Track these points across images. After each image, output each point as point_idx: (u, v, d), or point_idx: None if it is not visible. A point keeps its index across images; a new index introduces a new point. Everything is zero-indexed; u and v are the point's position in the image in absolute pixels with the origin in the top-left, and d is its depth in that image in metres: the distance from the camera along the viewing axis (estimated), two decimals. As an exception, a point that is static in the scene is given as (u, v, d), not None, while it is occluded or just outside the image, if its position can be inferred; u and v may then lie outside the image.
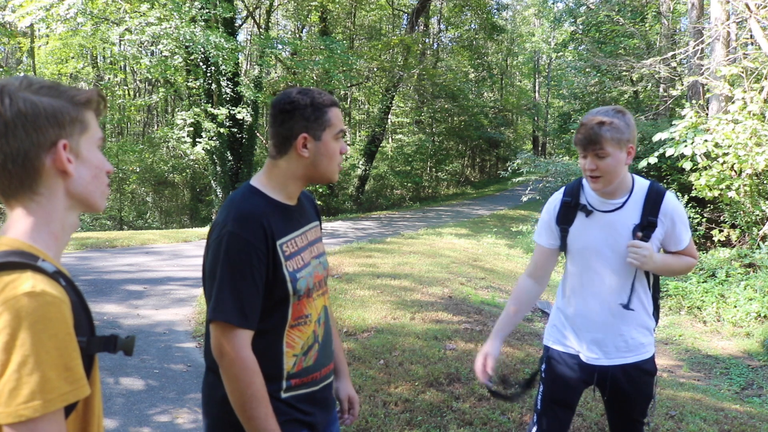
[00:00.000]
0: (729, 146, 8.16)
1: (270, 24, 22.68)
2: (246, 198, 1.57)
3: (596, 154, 2.01)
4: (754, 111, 8.19)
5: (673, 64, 12.95)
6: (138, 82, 27.71)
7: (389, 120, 25.79)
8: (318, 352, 1.65)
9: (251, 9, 21.76)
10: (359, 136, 27.84)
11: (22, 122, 0.97)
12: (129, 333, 4.22)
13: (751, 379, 5.70)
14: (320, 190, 20.20)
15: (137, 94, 28.25)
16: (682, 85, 11.89)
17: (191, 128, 18.28)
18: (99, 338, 1.02)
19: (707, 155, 8.85)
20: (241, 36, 25.16)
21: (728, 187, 8.74)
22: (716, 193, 8.91)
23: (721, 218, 10.07)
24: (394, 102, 24.93)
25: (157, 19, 13.36)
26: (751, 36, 9.65)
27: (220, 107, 16.48)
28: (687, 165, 8.74)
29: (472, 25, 29.53)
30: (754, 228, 9.16)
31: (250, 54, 24.75)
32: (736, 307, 7.19)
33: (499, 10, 30.36)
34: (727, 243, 9.78)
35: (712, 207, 10.33)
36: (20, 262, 0.94)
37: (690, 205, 10.44)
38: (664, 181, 11.41)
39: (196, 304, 6.29)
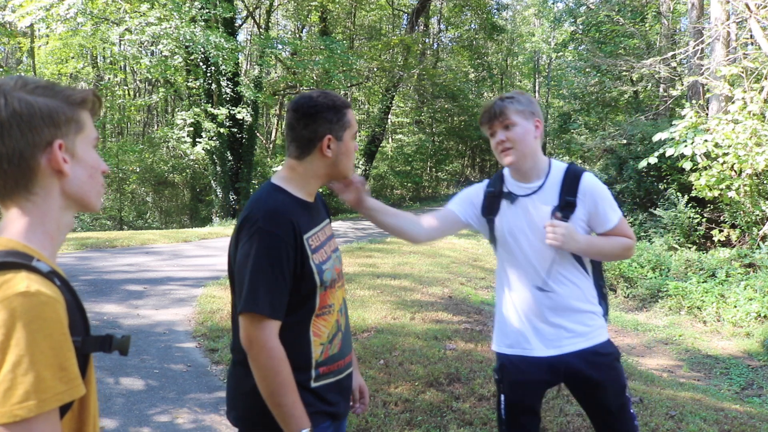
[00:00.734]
0: (729, 146, 8.16)
1: (270, 24, 22.70)
2: (272, 195, 1.64)
3: (504, 125, 2.03)
4: (754, 111, 8.20)
5: (673, 64, 12.96)
6: (138, 82, 27.70)
7: (389, 120, 25.81)
8: (341, 340, 1.72)
9: (251, 9, 21.78)
10: (359, 136, 27.77)
11: (17, 122, 0.97)
12: (129, 333, 4.22)
13: (751, 379, 5.70)
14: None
15: (137, 94, 28.25)
16: (682, 85, 11.90)
17: (191, 128, 18.30)
18: (94, 338, 1.02)
19: (707, 155, 8.85)
20: (241, 36, 25.18)
21: (728, 187, 8.74)
22: (716, 193, 8.92)
23: (721, 218, 10.08)
24: (394, 102, 24.96)
25: (157, 19, 13.38)
26: (751, 36, 9.65)
27: (220, 107, 16.50)
28: (687, 165, 8.75)
29: (472, 25, 29.53)
30: (754, 228, 9.17)
31: (250, 54, 24.76)
32: (736, 307, 7.20)
33: (499, 10, 30.33)
34: (727, 243, 9.79)
35: (712, 207, 10.33)
36: (15, 262, 0.94)
37: (690, 205, 10.45)
38: (665, 181, 11.41)
39: (196, 304, 6.28)
